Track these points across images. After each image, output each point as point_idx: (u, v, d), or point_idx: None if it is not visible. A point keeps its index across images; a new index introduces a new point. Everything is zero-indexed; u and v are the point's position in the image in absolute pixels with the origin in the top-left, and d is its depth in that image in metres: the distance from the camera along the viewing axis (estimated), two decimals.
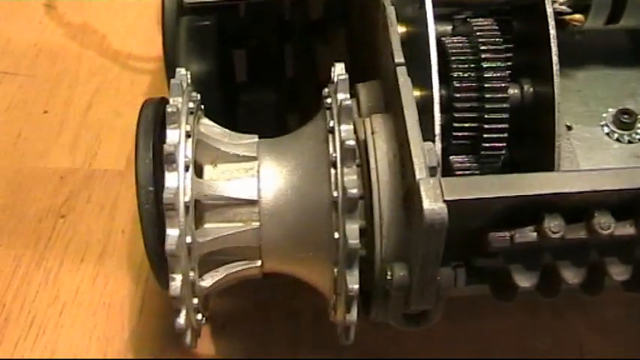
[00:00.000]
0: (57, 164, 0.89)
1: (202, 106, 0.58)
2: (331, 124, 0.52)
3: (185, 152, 0.51)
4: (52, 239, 0.82)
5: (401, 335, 0.73)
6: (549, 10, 0.55)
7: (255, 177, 0.54)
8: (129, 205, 0.84)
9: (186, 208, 0.50)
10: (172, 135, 0.51)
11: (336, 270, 0.51)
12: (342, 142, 0.50)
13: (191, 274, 0.52)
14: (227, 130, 0.57)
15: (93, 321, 0.75)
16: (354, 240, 0.49)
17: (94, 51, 1.01)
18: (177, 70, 0.56)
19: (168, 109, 0.52)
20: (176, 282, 0.51)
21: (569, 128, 0.63)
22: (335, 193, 0.50)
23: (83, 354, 0.73)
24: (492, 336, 0.74)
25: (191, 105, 0.55)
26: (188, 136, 0.52)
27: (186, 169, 0.51)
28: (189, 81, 0.56)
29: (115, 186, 0.86)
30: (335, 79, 0.54)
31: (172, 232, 0.50)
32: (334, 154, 0.51)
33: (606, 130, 0.64)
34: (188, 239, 0.51)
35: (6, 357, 0.73)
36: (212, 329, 0.73)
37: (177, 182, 0.50)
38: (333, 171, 0.51)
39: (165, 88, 0.85)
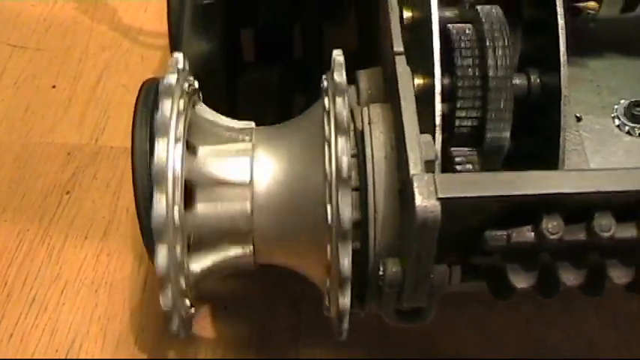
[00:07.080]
0: (64, 140, 0.88)
1: (200, 94, 0.57)
2: (327, 105, 0.51)
3: (177, 126, 0.50)
4: (56, 215, 0.81)
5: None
6: None
7: (249, 158, 0.53)
8: None
9: (175, 179, 0.49)
10: (165, 107, 0.50)
11: (329, 251, 0.50)
12: (335, 117, 0.48)
13: (178, 249, 0.51)
14: (222, 116, 0.56)
15: (94, 299, 0.75)
16: (347, 216, 0.47)
17: (104, 25, 1.00)
18: (174, 55, 0.55)
19: (162, 84, 0.51)
20: (162, 254, 0.49)
21: (578, 119, 0.61)
22: (328, 169, 0.48)
23: (83, 333, 0.73)
24: (501, 328, 0.73)
25: (186, 86, 0.54)
26: (181, 113, 0.51)
27: (177, 142, 0.50)
28: (186, 66, 0.55)
29: (120, 163, 0.86)
30: (332, 63, 0.52)
31: (160, 202, 0.49)
32: (329, 133, 0.49)
33: (617, 122, 0.62)
34: (176, 212, 0.50)
35: (7, 335, 0.72)
36: (213, 311, 0.73)
37: (166, 152, 0.49)
38: (327, 149, 0.49)
39: None
